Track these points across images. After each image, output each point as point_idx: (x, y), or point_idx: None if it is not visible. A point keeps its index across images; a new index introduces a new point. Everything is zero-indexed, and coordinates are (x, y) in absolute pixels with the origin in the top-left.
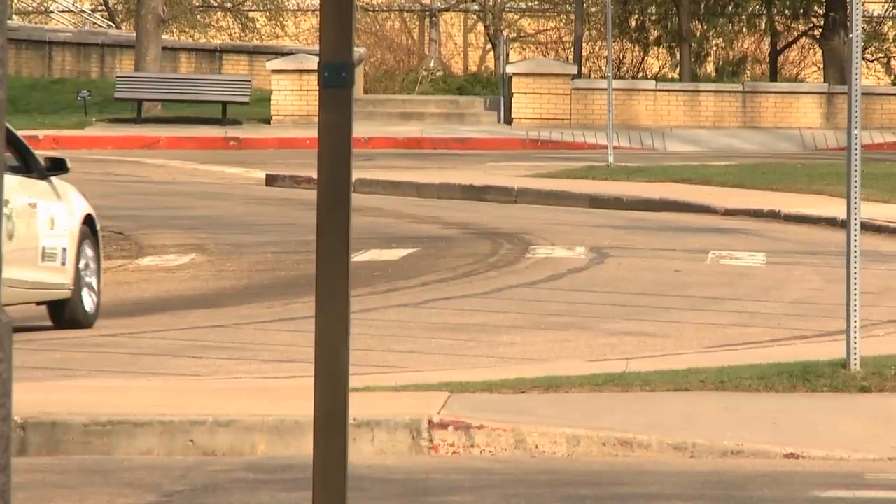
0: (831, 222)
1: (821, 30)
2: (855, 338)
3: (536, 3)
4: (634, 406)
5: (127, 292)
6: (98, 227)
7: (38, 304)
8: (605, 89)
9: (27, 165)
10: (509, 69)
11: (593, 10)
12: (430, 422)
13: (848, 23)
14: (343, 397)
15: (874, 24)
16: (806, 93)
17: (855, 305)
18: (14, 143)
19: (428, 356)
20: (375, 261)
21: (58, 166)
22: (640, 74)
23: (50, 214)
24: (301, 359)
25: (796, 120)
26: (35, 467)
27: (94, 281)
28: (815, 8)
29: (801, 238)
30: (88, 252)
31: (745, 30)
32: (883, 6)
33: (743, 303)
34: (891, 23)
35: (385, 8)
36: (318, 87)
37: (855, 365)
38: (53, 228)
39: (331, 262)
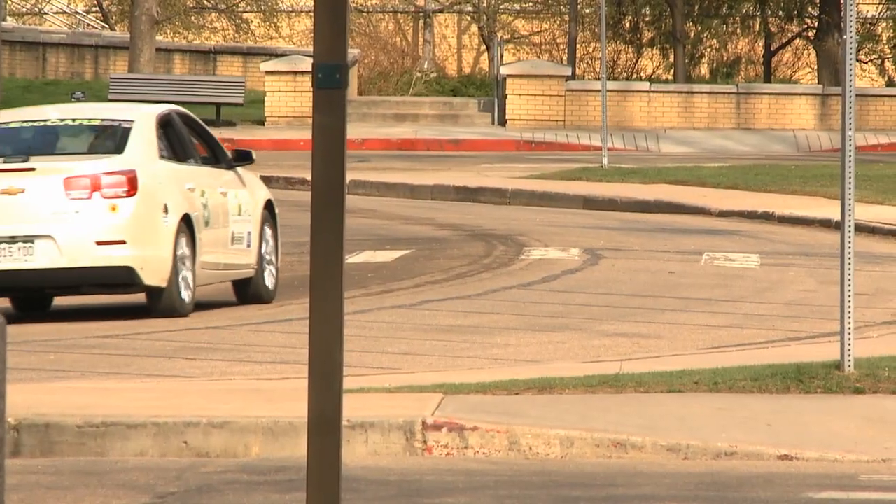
0: (825, 224)
1: (815, 31)
2: (849, 339)
3: (530, 4)
4: (628, 407)
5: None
6: (276, 210)
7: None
8: (600, 91)
9: (216, 157)
10: (503, 70)
11: (587, 11)
12: (424, 423)
13: (842, 24)
14: (337, 398)
15: (868, 26)
16: (800, 94)
17: (849, 307)
18: (204, 137)
19: (422, 357)
20: (369, 262)
21: (244, 157)
22: (635, 76)
23: (238, 202)
24: (295, 360)
25: (790, 121)
26: (29, 469)
27: (273, 259)
28: (809, 9)
29: (795, 239)
30: (268, 234)
31: (739, 31)
32: (877, 7)
33: (737, 304)
34: (884, 24)
35: (379, 9)
36: (311, 89)
37: (849, 366)
38: (240, 214)
39: (325, 264)
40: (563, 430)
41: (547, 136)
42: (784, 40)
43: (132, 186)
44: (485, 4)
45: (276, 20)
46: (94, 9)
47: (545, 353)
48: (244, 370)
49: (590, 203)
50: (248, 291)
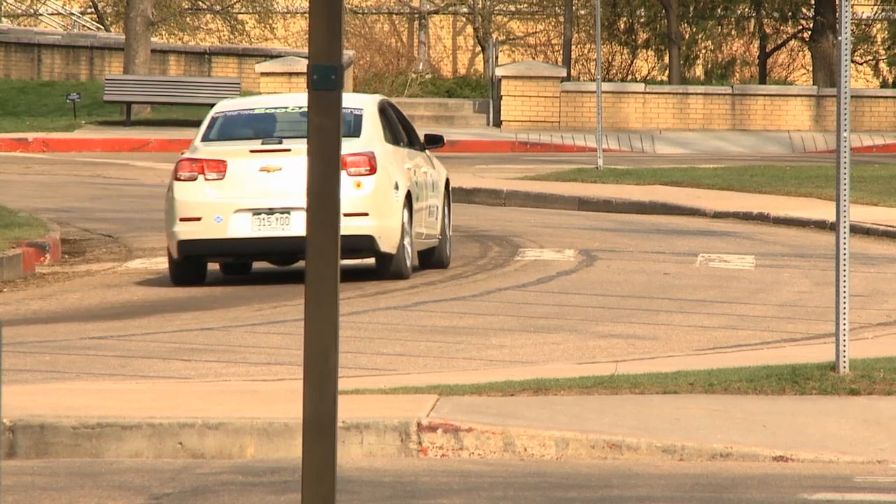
0: (820, 225)
1: (809, 32)
2: (844, 340)
3: (525, 5)
4: (623, 408)
5: (116, 295)
6: (450, 187)
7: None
8: (595, 92)
9: (411, 140)
10: (498, 72)
11: (582, 12)
12: (419, 424)
13: (837, 25)
14: (332, 400)
15: (863, 27)
16: (795, 95)
17: (844, 308)
18: (403, 123)
19: (417, 359)
20: (365, 263)
21: (436, 141)
22: (630, 77)
23: (432, 179)
24: (290, 361)
25: (785, 122)
26: (24, 470)
27: (449, 232)
28: (804, 10)
29: (790, 241)
30: (447, 209)
31: (734, 32)
32: (872, 9)
33: (732, 305)
34: (879, 25)
35: (374, 10)
36: (307, 90)
37: (844, 367)
38: (434, 190)
39: (320, 265)
40: (558, 432)
41: (542, 137)
42: (779, 42)
43: (372, 166)
44: (480, 6)
45: (271, 21)
46: (89, 10)
47: (540, 355)
48: (239, 371)
49: (585, 204)
50: (432, 259)
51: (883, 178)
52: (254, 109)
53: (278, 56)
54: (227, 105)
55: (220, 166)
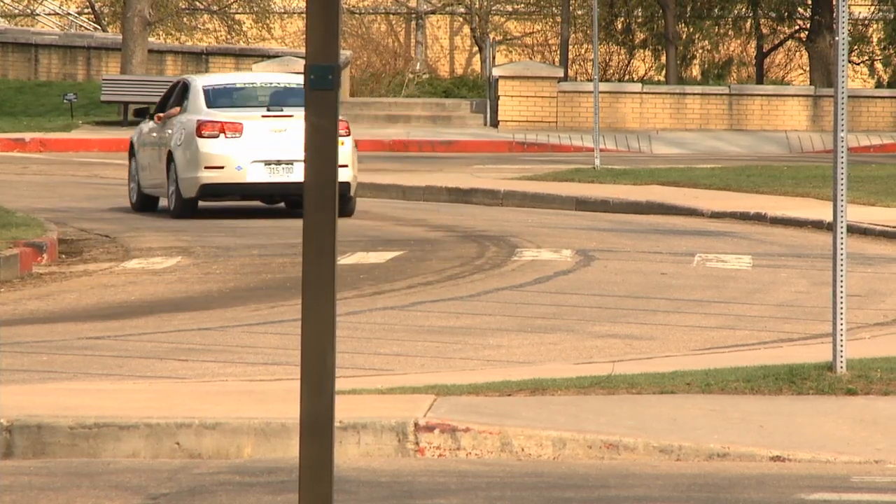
0: (817, 225)
1: (807, 33)
2: (841, 340)
3: (522, 5)
4: (621, 409)
5: (113, 295)
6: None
7: None
8: (592, 92)
9: None
10: (496, 72)
11: (580, 12)
12: (416, 424)
13: (834, 25)
14: (329, 400)
15: (859, 27)
16: (792, 95)
17: (841, 308)
18: None
19: (414, 359)
20: (361, 263)
21: None
22: (627, 77)
23: None
24: (287, 361)
25: (782, 122)
26: (21, 470)
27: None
28: (801, 10)
29: (787, 241)
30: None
31: (731, 32)
32: (868, 9)
33: (729, 305)
34: (875, 25)
35: (371, 10)
36: (304, 90)
37: (841, 367)
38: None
39: (317, 265)
40: (556, 432)
41: (539, 137)
42: (776, 42)
43: (347, 129)
44: (477, 6)
45: (268, 21)
46: (86, 10)
47: (537, 355)
48: (237, 371)
49: (582, 204)
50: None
51: (880, 178)
52: (235, 84)
53: (275, 56)
54: (207, 80)
55: (237, 127)
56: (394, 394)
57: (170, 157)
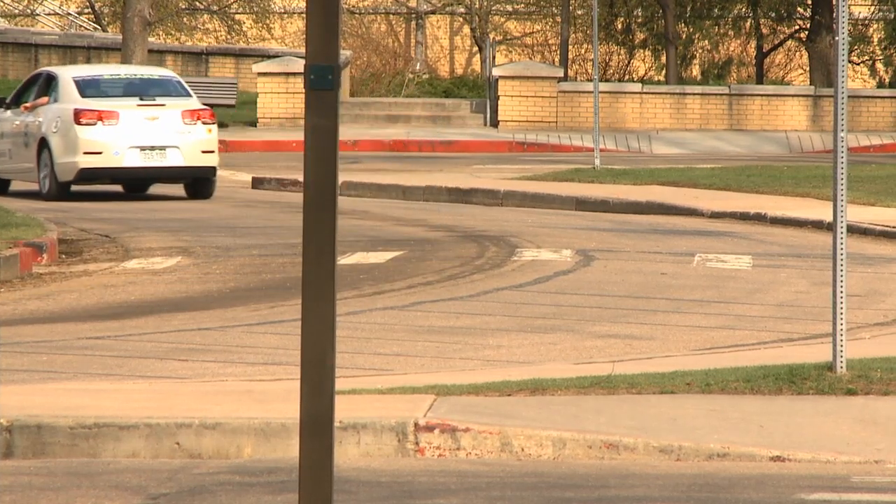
0: (817, 225)
1: (806, 32)
2: (841, 340)
3: (522, 5)
4: (620, 409)
5: (113, 295)
6: None
7: None
8: (592, 92)
9: None
10: (495, 72)
11: (579, 12)
12: (416, 424)
13: (834, 25)
14: (329, 400)
15: (860, 27)
16: (792, 95)
17: (841, 308)
18: None
19: (414, 359)
20: (361, 263)
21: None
22: (627, 77)
23: None
24: (287, 361)
25: (782, 122)
26: (21, 470)
27: None
28: (801, 10)
29: (787, 241)
30: None
31: (730, 32)
32: (868, 9)
33: (729, 305)
34: (876, 25)
35: (371, 10)
36: (304, 90)
37: (841, 367)
38: None
39: (317, 265)
40: (556, 432)
41: (539, 137)
42: (776, 42)
43: (214, 118)
44: (477, 6)
45: (268, 21)
46: (86, 10)
47: (537, 355)
48: (236, 371)
49: (582, 204)
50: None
51: (880, 178)
52: (102, 76)
53: (275, 56)
54: (75, 72)
55: (114, 115)
56: (394, 394)
57: (42, 144)
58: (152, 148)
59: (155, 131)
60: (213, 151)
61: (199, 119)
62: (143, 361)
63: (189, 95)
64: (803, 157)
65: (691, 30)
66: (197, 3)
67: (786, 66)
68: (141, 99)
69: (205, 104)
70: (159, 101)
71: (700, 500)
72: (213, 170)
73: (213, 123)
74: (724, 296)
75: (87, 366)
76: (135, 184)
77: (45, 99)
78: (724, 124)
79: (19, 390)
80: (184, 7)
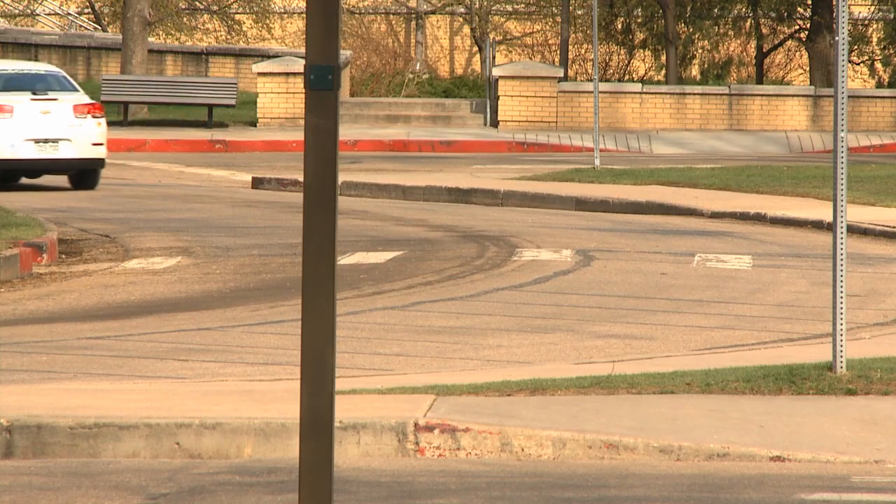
0: (817, 225)
1: (806, 33)
2: (841, 340)
3: (522, 5)
4: (620, 409)
5: (113, 295)
6: None
7: None
8: (592, 92)
9: None
10: (495, 72)
11: (579, 12)
12: (416, 424)
13: (834, 25)
14: (329, 400)
15: (859, 27)
16: (792, 95)
17: (841, 308)
18: None
19: (414, 359)
20: (361, 263)
21: None
22: (627, 77)
23: None
24: (287, 361)
25: (782, 122)
26: (21, 470)
27: None
28: (801, 10)
29: (787, 241)
30: None
31: (730, 32)
32: (868, 9)
33: (729, 305)
34: (875, 25)
35: (371, 10)
36: (304, 90)
37: (841, 367)
38: None
39: (317, 265)
40: (556, 432)
41: (539, 137)
42: (776, 42)
43: (103, 111)
44: (477, 6)
45: (268, 21)
46: (86, 10)
47: (537, 355)
48: (236, 371)
49: (582, 204)
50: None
51: (880, 178)
52: None
53: (275, 56)
54: None
55: (8, 108)
56: (394, 394)
57: None
58: (46, 141)
59: (48, 125)
60: (102, 144)
61: (89, 113)
62: (142, 361)
63: (77, 90)
64: (803, 157)
65: (691, 30)
66: (197, 3)
67: (786, 66)
68: (33, 93)
69: (205, 104)
70: (51, 95)
71: (700, 500)
72: (101, 161)
73: (103, 117)
74: (724, 296)
75: (87, 366)
76: (28, 175)
77: None
78: (724, 124)
79: (19, 390)
80: (184, 7)
